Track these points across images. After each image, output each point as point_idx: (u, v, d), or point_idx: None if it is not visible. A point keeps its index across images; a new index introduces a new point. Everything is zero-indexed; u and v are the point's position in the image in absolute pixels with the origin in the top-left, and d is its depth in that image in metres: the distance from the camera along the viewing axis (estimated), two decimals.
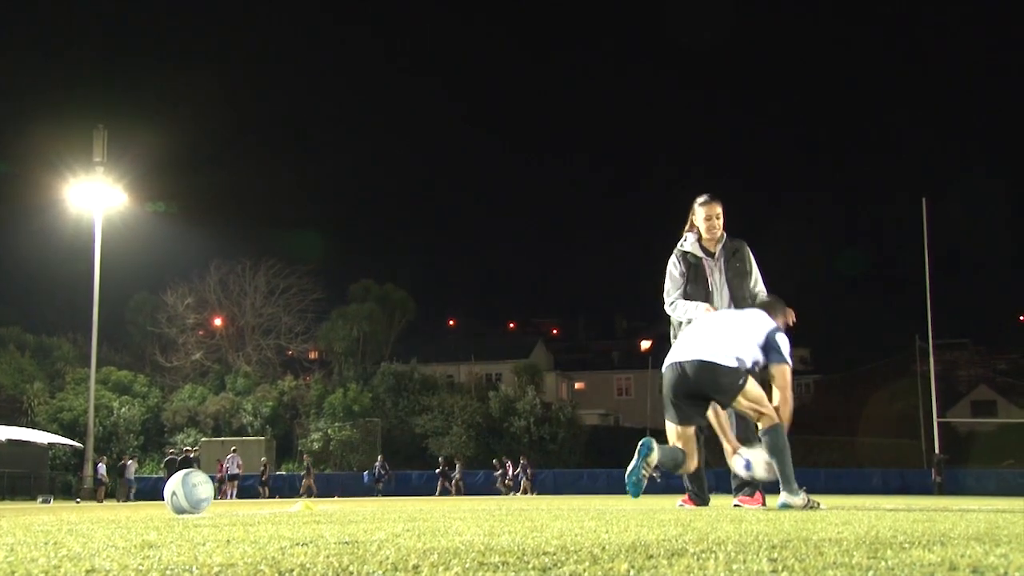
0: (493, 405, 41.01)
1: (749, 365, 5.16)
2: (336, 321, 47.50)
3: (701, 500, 6.20)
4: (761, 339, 5.29)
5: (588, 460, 40.44)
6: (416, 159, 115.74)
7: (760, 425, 5.25)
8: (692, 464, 5.24)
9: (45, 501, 24.73)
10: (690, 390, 5.11)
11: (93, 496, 29.76)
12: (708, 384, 5.07)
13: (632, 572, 1.79)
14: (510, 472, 34.84)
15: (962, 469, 35.57)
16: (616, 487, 34.78)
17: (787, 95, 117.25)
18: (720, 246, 6.26)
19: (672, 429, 5.22)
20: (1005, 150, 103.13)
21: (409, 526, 3.37)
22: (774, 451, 5.22)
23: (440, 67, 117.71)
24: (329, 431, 40.19)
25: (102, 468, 30.93)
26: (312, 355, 54.55)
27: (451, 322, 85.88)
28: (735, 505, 5.92)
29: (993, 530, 2.96)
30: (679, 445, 5.17)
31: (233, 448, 33.08)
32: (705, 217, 6.22)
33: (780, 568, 1.81)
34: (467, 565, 1.89)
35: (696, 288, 6.20)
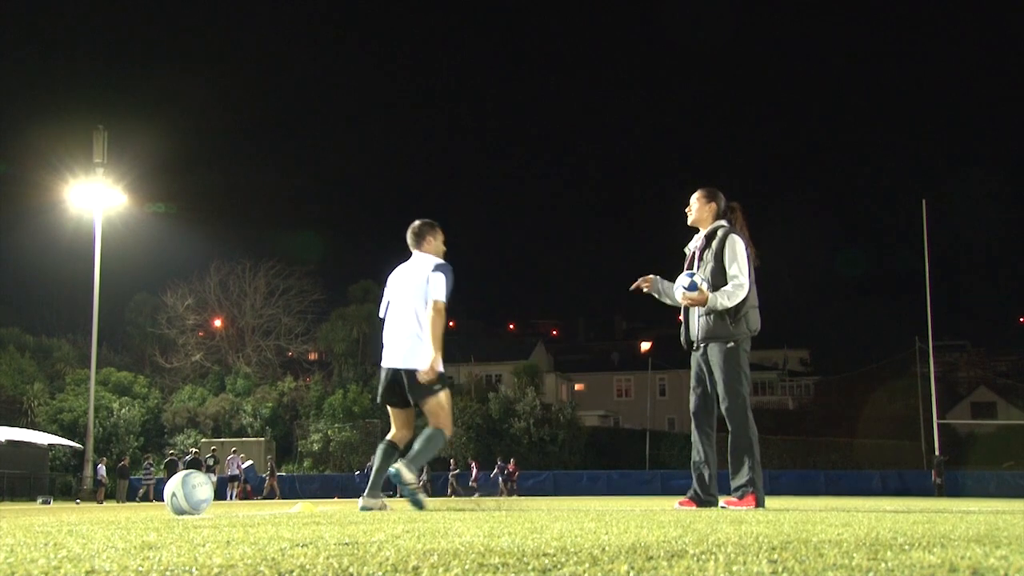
0: (493, 406, 40.99)
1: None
2: (336, 322, 47.49)
3: (702, 502, 6.15)
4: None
5: (588, 461, 40.44)
6: (416, 160, 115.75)
7: (430, 425, 6.08)
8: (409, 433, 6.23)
9: (45, 502, 24.71)
10: (399, 388, 6.06)
11: (93, 497, 29.75)
12: (412, 388, 6.01)
13: (632, 574, 1.79)
14: (474, 473, 34.79)
15: (962, 471, 35.58)
16: (617, 489, 34.80)
17: (788, 97, 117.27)
18: (703, 234, 6.31)
19: (392, 410, 6.19)
20: (1006, 153, 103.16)
21: (409, 527, 3.37)
22: (427, 440, 6.04)
23: (441, 68, 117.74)
24: (329, 432, 40.20)
25: (102, 469, 30.93)
26: (312, 356, 54.56)
27: (451, 323, 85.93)
28: (722, 507, 5.88)
29: (993, 532, 2.95)
30: (399, 423, 6.19)
31: (233, 449, 33.07)
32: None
33: (780, 570, 1.81)
34: (467, 567, 1.89)
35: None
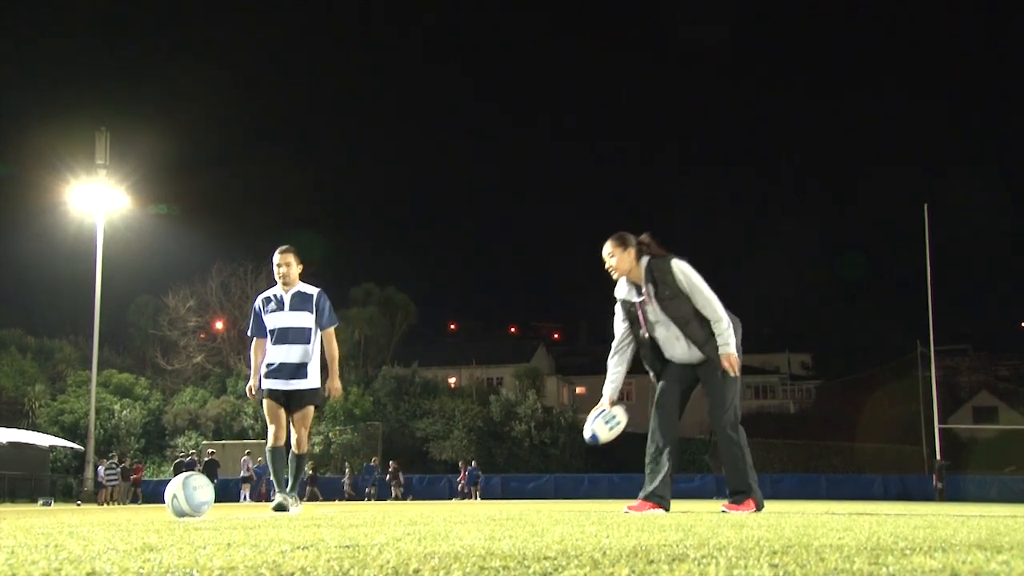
0: (494, 409, 40.97)
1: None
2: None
3: (660, 504, 5.99)
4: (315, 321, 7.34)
5: (589, 465, 40.40)
6: (418, 163, 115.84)
7: (295, 449, 7.32)
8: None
9: (46, 504, 24.73)
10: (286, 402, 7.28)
11: (94, 499, 29.75)
12: (304, 402, 7.28)
13: None
14: (401, 478, 34.58)
15: (963, 475, 35.53)
16: (618, 492, 34.74)
17: (790, 99, 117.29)
18: (643, 279, 5.87)
19: (272, 408, 7.25)
20: (1009, 157, 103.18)
21: (410, 530, 3.37)
22: (293, 469, 7.33)
23: (442, 71, 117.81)
24: (330, 434, 40.16)
25: (102, 471, 30.92)
26: None
27: (452, 326, 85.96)
28: (722, 511, 5.86)
29: (995, 536, 2.95)
30: (274, 421, 7.22)
31: (248, 452, 32.88)
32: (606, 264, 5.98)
33: (781, 574, 1.81)
34: (468, 570, 1.89)
35: (638, 330, 6.04)
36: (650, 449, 6.16)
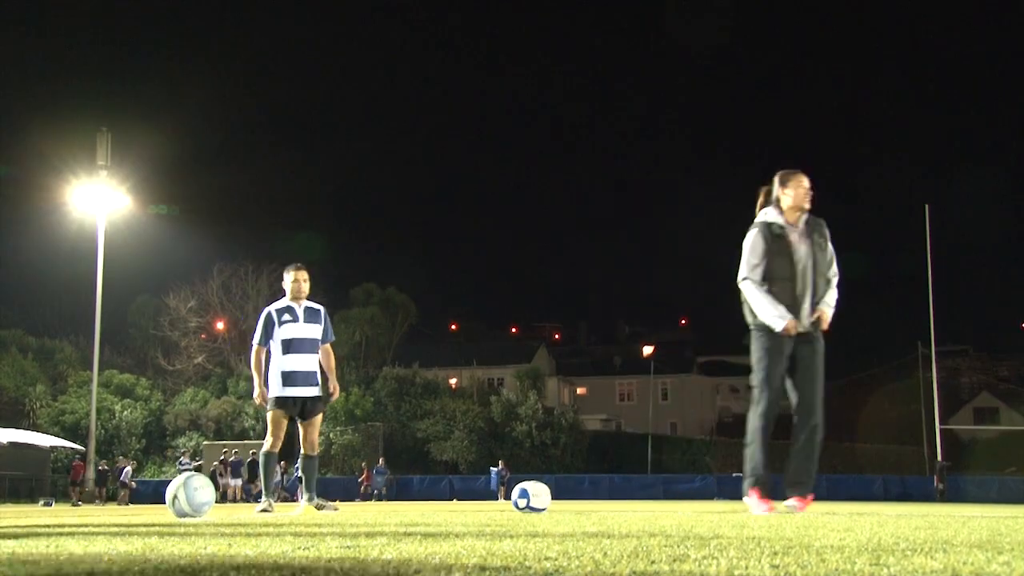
0: (495, 410, 40.96)
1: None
2: (338, 325, 47.18)
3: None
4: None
5: (590, 465, 40.39)
6: (419, 163, 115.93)
7: (304, 451, 7.86)
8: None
9: (47, 504, 24.70)
10: (301, 408, 7.64)
11: (94, 499, 29.75)
12: (317, 408, 7.73)
13: None
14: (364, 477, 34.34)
15: (964, 476, 35.51)
16: (618, 492, 34.74)
17: (789, 99, 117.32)
18: (803, 219, 5.97)
19: (279, 419, 7.62)
20: (1010, 157, 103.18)
21: (411, 530, 3.37)
22: (310, 470, 7.92)
23: (441, 71, 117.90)
24: (331, 435, 40.16)
25: (128, 471, 31.02)
26: None
27: (453, 326, 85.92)
28: (789, 506, 5.72)
29: (995, 537, 2.95)
30: (276, 432, 7.64)
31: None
32: (797, 186, 5.98)
33: (782, 574, 1.81)
34: (468, 570, 1.89)
35: (781, 261, 5.89)
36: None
